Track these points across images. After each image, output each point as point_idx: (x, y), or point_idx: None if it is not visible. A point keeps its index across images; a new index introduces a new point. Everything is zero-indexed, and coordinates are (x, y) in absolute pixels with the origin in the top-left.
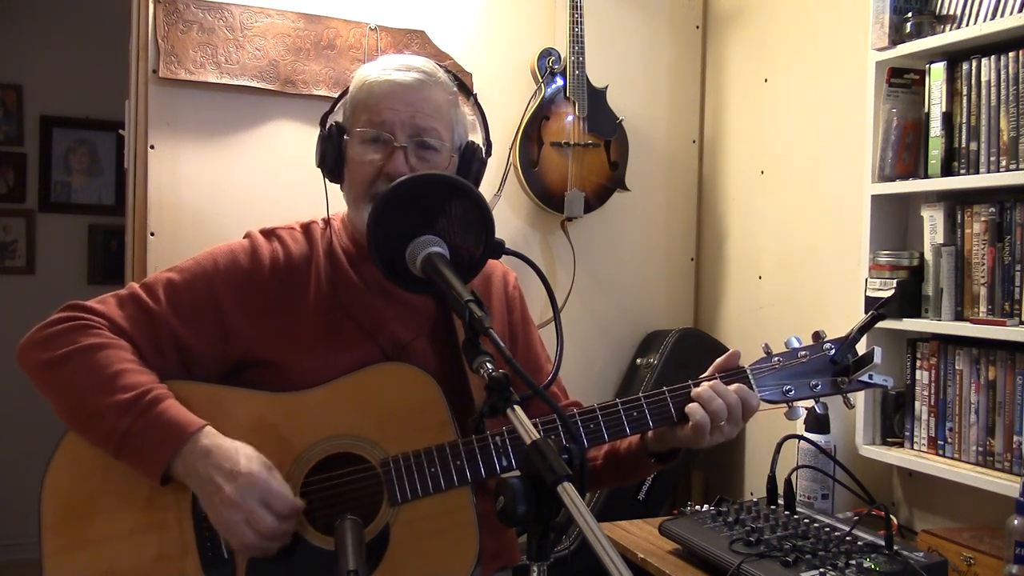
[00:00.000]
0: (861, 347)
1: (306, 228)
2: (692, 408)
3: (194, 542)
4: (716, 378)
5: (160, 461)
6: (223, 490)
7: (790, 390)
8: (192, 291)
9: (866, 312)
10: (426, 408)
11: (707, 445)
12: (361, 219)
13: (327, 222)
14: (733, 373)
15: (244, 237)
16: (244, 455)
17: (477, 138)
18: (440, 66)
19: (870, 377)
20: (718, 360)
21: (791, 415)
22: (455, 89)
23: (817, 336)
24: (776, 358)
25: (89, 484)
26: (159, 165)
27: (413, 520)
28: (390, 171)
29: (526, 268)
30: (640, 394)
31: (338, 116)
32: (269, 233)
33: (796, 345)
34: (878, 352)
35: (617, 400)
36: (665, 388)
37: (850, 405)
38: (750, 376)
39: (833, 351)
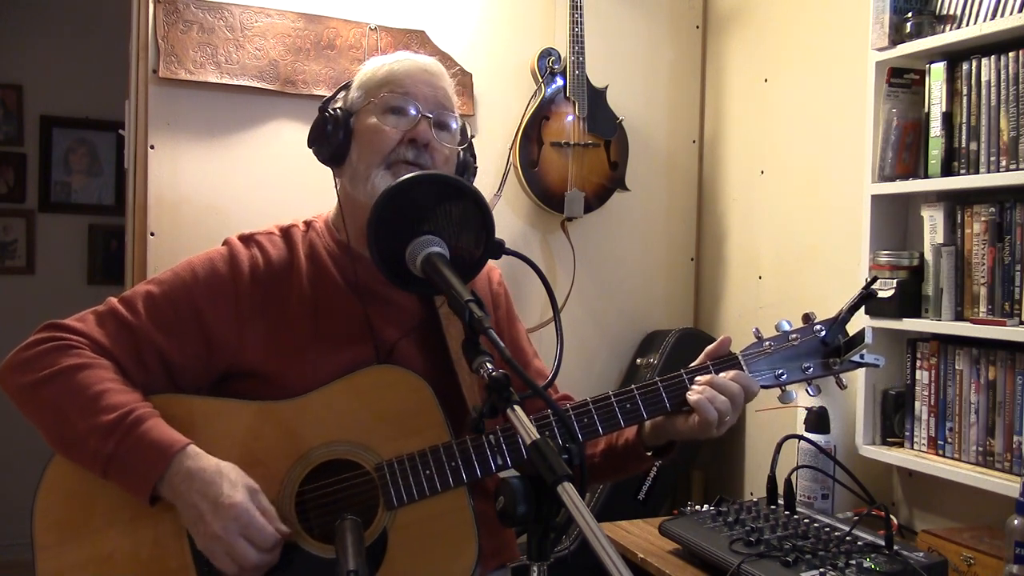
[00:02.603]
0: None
1: (286, 232)
2: (702, 407)
3: (191, 560)
4: (709, 367)
5: (146, 484)
6: (205, 519)
7: (782, 374)
8: (172, 303)
9: (866, 312)
10: (418, 410)
11: (713, 436)
12: (367, 191)
13: (308, 224)
14: (725, 360)
15: (223, 244)
16: (228, 481)
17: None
18: None
19: (861, 357)
20: (709, 347)
21: (784, 399)
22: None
23: (807, 318)
24: (767, 342)
25: (81, 503)
26: (159, 165)
27: (410, 524)
28: (416, 136)
29: (526, 268)
30: (632, 385)
31: (339, 104)
32: (248, 239)
33: (787, 328)
34: (869, 332)
35: (610, 392)
36: (657, 379)
37: (843, 386)
38: (742, 362)
39: (824, 332)
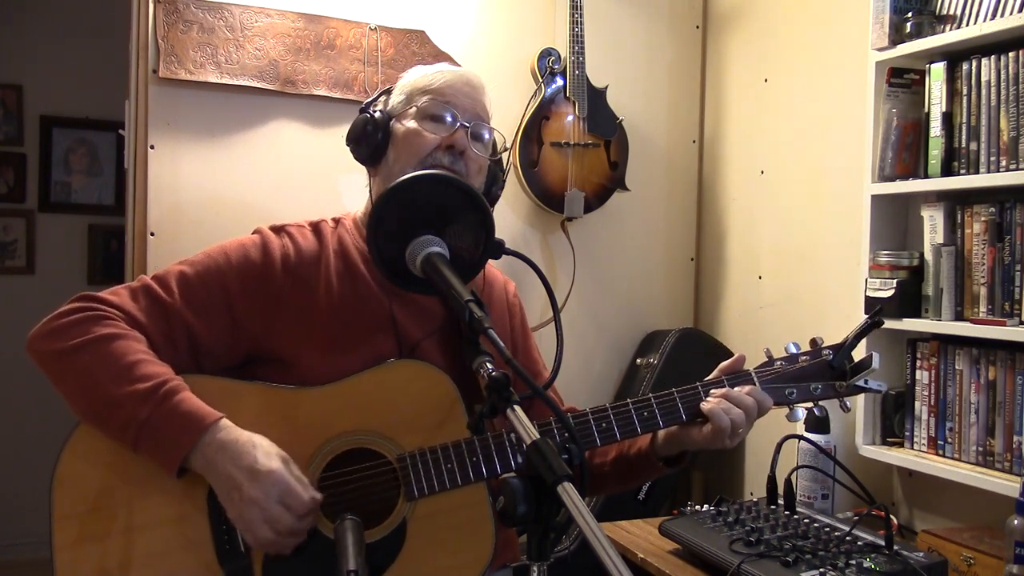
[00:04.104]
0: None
1: (315, 226)
2: (716, 415)
3: (210, 535)
4: (724, 381)
5: (178, 453)
6: (242, 488)
7: (792, 393)
8: (205, 285)
9: (866, 312)
10: (441, 405)
11: (725, 447)
12: None
13: (337, 221)
14: (739, 375)
15: (253, 232)
16: (262, 451)
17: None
18: None
19: (865, 382)
20: (724, 364)
21: (792, 417)
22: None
23: (814, 343)
24: (778, 362)
25: (100, 477)
26: (159, 165)
27: (430, 515)
28: (454, 143)
29: (526, 268)
30: (650, 394)
31: (379, 107)
32: (279, 229)
33: (795, 351)
34: (876, 357)
35: (628, 400)
36: (674, 389)
37: (846, 409)
38: (755, 379)
39: (831, 356)
